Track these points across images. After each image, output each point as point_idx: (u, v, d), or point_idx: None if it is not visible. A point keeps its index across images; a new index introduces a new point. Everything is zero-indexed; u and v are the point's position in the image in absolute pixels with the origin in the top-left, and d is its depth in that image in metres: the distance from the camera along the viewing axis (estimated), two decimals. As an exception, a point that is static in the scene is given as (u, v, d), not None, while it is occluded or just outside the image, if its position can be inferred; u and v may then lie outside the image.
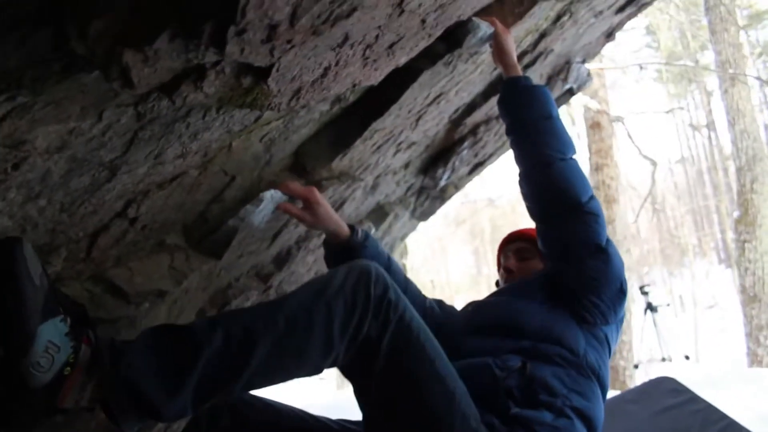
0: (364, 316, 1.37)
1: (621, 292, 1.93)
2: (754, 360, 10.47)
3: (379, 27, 1.18)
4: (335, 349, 1.35)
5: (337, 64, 1.23)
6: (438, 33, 1.63)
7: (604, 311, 1.89)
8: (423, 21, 1.40)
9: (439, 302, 2.17)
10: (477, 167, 3.43)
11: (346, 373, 1.48)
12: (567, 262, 1.94)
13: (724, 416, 4.28)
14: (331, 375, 20.06)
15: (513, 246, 2.21)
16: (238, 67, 0.91)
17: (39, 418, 1.32)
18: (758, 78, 11.75)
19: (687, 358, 8.71)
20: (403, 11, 1.20)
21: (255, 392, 1.52)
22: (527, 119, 1.97)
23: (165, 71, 0.83)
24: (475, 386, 1.52)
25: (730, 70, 10.68)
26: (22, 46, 0.76)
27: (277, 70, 0.97)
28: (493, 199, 19.08)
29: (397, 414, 1.45)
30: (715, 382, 5.95)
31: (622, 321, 2.01)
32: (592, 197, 1.94)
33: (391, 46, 1.39)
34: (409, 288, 2.02)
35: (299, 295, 1.39)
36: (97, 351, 1.22)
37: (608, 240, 1.93)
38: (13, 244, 1.09)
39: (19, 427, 1.29)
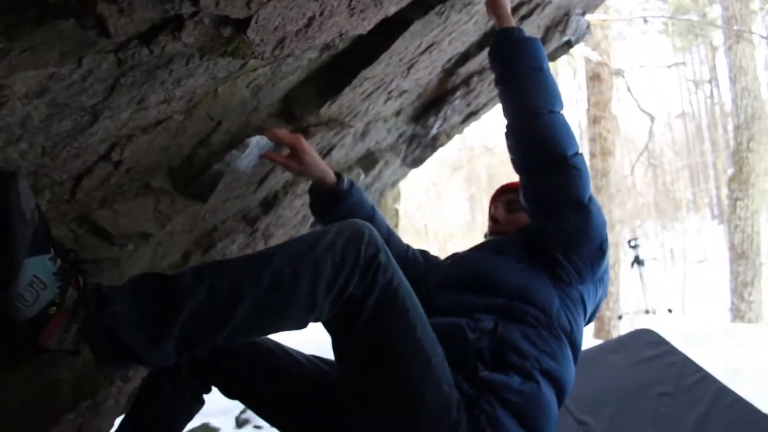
0: (351, 277, 1.38)
1: (600, 251, 1.93)
2: (737, 315, 10.64)
3: (365, -22, 1.17)
4: (318, 308, 1.37)
5: (321, 14, 1.22)
6: (429, -17, 1.62)
7: (580, 269, 1.90)
8: (412, -29, 1.39)
9: (423, 252, 2.20)
10: (469, 117, 3.42)
11: (328, 327, 1.50)
12: (547, 217, 1.94)
13: (699, 369, 4.38)
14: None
15: (504, 197, 2.24)
16: (217, 18, 0.91)
17: (22, 355, 1.35)
18: (764, 37, 11.58)
19: (670, 311, 8.85)
20: (389, -37, 1.19)
21: None
22: (517, 70, 1.96)
23: (142, 21, 0.84)
24: (447, 347, 1.54)
25: (735, 27, 10.53)
26: (-5, -6, 0.76)
27: (256, 22, 0.97)
28: (490, 147, 18.98)
29: (372, 374, 1.47)
30: (696, 336, 6.06)
31: (602, 280, 2.02)
32: (577, 153, 1.93)
33: (378, -4, 1.38)
34: (391, 239, 2.04)
35: (287, 251, 1.39)
36: (83, 295, 1.24)
37: (591, 197, 1.93)
38: (7, 178, 1.11)
39: (2, 362, 1.32)
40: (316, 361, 1.78)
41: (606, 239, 1.96)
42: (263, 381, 1.69)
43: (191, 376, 1.65)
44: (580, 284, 1.90)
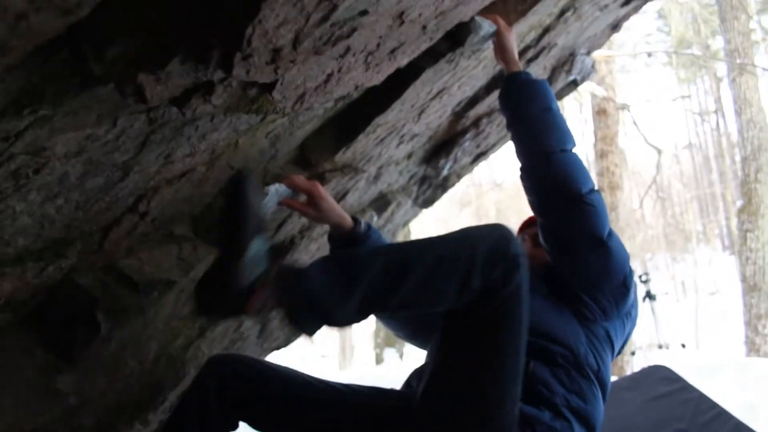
0: (496, 268, 1.55)
1: (623, 287, 1.95)
2: (752, 348, 10.52)
3: (380, 37, 1.23)
4: (469, 290, 1.54)
5: (339, 71, 1.29)
6: (439, 36, 1.68)
7: (604, 307, 1.92)
8: (424, 27, 1.45)
9: None
10: (479, 157, 3.47)
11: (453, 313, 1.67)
12: (567, 256, 1.97)
13: (714, 405, 4.36)
14: (334, 353, 20.24)
15: (530, 230, 2.25)
16: (244, 82, 0.97)
17: (230, 315, 1.69)
18: (765, 69, 11.69)
19: (683, 346, 8.77)
20: (403, 22, 1.25)
21: (265, 358, 1.73)
22: (527, 113, 2.01)
23: (176, 87, 0.89)
24: None
25: (738, 60, 10.63)
26: (43, 66, 0.82)
27: (281, 84, 1.03)
28: (498, 183, 19.04)
29: (468, 361, 1.62)
30: (710, 371, 6.01)
31: (629, 315, 2.03)
32: (592, 189, 1.96)
33: (392, 51, 1.44)
34: None
35: (447, 239, 1.62)
36: (281, 273, 1.53)
37: (611, 232, 1.95)
38: (245, 177, 1.48)
39: (215, 316, 1.68)
40: (352, 385, 1.89)
41: (630, 274, 1.97)
42: (295, 411, 1.80)
43: (220, 413, 1.71)
44: (606, 321, 1.92)
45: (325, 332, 1.65)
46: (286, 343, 3.13)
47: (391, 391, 1.96)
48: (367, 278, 1.53)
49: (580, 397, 1.75)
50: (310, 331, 1.57)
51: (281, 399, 1.78)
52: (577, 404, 1.73)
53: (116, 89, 0.86)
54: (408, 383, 2.00)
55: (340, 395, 1.85)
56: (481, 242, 1.58)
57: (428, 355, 1.85)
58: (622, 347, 2.09)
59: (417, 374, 1.96)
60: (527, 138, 2.01)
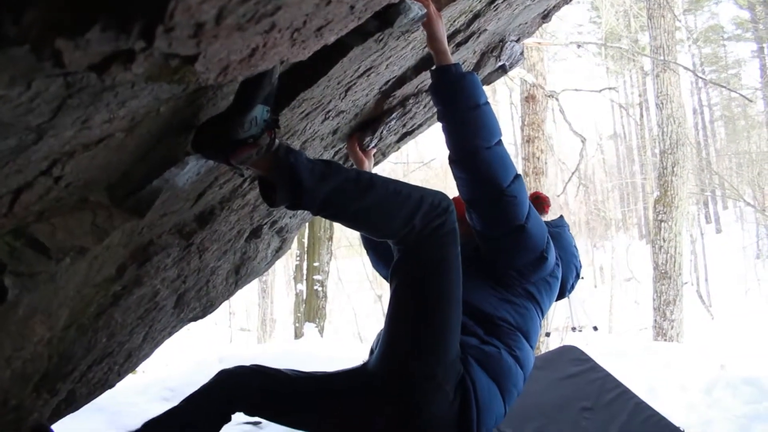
0: (437, 216, 1.95)
1: (539, 260, 2.27)
2: (659, 333, 11.07)
3: (307, 15, 1.23)
4: (411, 227, 1.92)
5: (264, 45, 1.28)
6: (368, 16, 1.69)
7: (523, 273, 2.26)
8: (352, 7, 1.46)
9: None
10: (405, 136, 3.50)
11: (402, 247, 2.02)
12: (488, 237, 2.27)
13: (619, 385, 4.60)
14: (254, 327, 20.08)
15: (461, 207, 2.47)
16: (166, 53, 0.96)
17: (217, 158, 1.81)
18: (687, 68, 12.17)
19: (595, 329, 9.16)
20: (330, 1, 1.26)
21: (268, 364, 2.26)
22: (455, 110, 2.18)
23: (95, 54, 0.88)
24: None
25: (661, 57, 11.02)
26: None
27: (204, 57, 1.02)
28: (426, 162, 19.18)
29: (416, 304, 1.99)
30: (619, 353, 6.31)
31: (553, 275, 2.37)
32: (513, 180, 2.19)
33: (319, 29, 1.44)
34: None
35: (406, 184, 2.00)
36: (272, 141, 1.80)
37: (528, 215, 2.21)
38: (273, 69, 1.66)
39: (207, 154, 1.80)
40: (338, 372, 2.27)
41: (548, 248, 2.29)
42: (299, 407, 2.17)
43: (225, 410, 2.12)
44: (526, 284, 2.27)
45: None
46: (203, 314, 3.11)
47: (360, 367, 2.28)
48: (341, 178, 1.87)
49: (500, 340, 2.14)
50: (277, 202, 1.84)
51: (288, 398, 2.15)
52: (500, 341, 2.14)
53: (32, 53, 0.84)
54: (371, 351, 2.31)
55: (326, 383, 2.20)
56: (430, 195, 1.97)
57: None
58: (562, 296, 2.57)
59: (377, 338, 2.28)
60: (455, 135, 2.22)
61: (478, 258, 2.29)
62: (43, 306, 1.68)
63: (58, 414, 2.49)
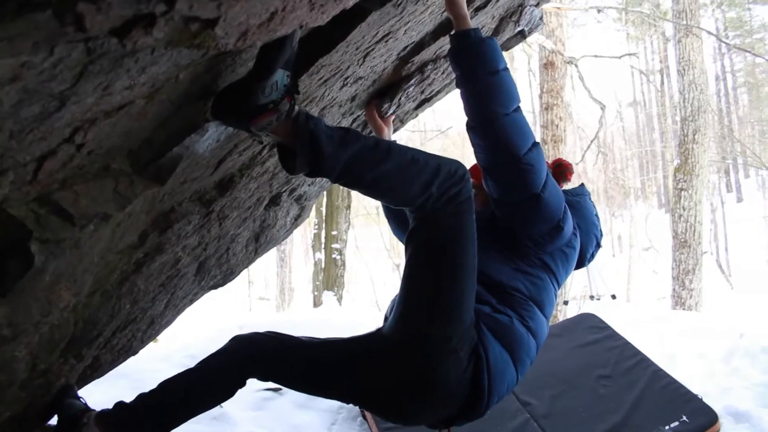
0: (453, 185, 1.96)
1: (555, 229, 2.25)
2: (678, 302, 11.03)
3: (326, -23, 1.23)
4: (428, 194, 1.93)
5: (284, 9, 1.28)
6: (387, -21, 1.67)
7: (538, 243, 2.25)
8: (371, -31, 1.45)
9: None
10: (423, 103, 3.49)
11: (418, 214, 2.02)
12: (505, 204, 2.27)
13: (637, 353, 4.61)
14: (273, 296, 20.25)
15: (478, 175, 2.46)
16: (187, 17, 0.96)
17: (237, 125, 1.81)
18: (710, 33, 11.91)
19: (614, 297, 9.15)
20: (350, -37, 1.25)
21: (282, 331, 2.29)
22: (474, 75, 2.17)
23: (117, 18, 0.88)
24: None
25: (684, 22, 10.81)
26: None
27: (224, 20, 1.02)
28: (443, 130, 19.09)
29: (432, 270, 2.00)
30: (637, 322, 6.29)
31: (570, 245, 2.36)
32: (531, 148, 2.17)
33: (338, -8, 1.44)
34: None
35: (424, 152, 2.00)
36: (292, 107, 1.80)
37: (546, 184, 2.18)
38: (293, 33, 1.61)
39: (227, 121, 1.80)
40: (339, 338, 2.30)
41: (564, 215, 2.28)
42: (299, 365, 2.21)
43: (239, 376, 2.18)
44: (542, 254, 2.27)
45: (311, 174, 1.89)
46: (224, 281, 3.14)
47: (375, 332, 2.32)
48: (360, 145, 1.87)
49: (513, 309, 2.16)
50: (297, 169, 1.84)
51: (303, 364, 2.19)
52: (512, 311, 2.16)
53: (54, 17, 0.84)
54: (385, 318, 2.33)
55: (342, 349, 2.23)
56: (446, 164, 1.98)
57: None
58: (582, 265, 2.58)
59: (391, 305, 2.31)
60: (473, 101, 2.20)
61: (494, 228, 2.29)
62: (69, 272, 1.70)
63: (84, 379, 2.54)
